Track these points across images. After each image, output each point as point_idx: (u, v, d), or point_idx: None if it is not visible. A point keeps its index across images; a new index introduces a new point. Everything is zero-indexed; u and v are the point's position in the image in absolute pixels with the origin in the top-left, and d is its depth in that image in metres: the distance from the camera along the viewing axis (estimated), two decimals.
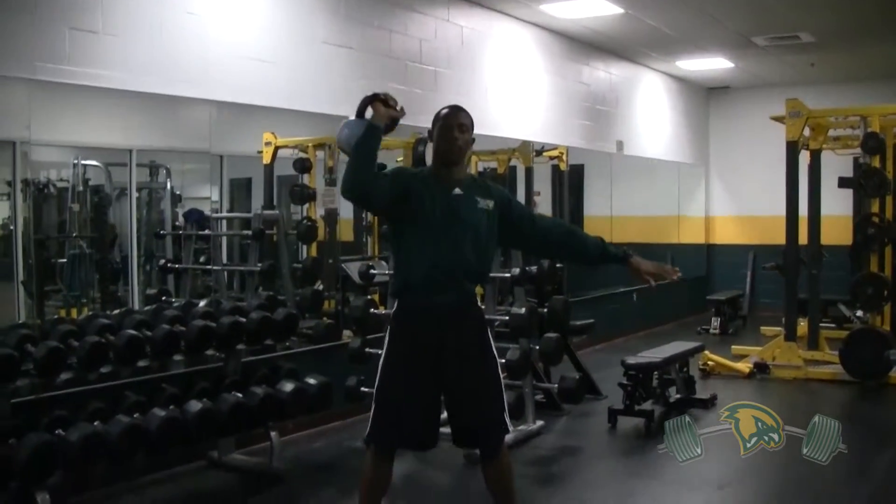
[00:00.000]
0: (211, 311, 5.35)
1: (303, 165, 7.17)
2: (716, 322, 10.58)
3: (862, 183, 7.81)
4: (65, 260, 6.02)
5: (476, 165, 8.67)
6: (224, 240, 6.94)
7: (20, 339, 4.40)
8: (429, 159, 3.73)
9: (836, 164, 8.93)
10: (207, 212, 6.70)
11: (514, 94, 8.51)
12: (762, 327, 10.08)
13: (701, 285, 12.43)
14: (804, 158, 8.34)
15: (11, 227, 5.47)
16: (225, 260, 6.95)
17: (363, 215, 7.82)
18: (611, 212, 11.25)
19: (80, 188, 6.12)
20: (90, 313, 5.82)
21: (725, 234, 13.06)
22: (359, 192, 3.41)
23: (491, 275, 5.47)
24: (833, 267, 8.78)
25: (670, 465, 4.23)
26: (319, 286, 7.03)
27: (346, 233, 7.67)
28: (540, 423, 6.04)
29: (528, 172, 8.68)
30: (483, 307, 5.22)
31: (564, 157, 9.60)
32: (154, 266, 6.66)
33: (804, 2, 8.18)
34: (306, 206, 7.25)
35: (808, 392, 7.56)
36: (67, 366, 4.52)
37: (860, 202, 8.93)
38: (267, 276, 6.68)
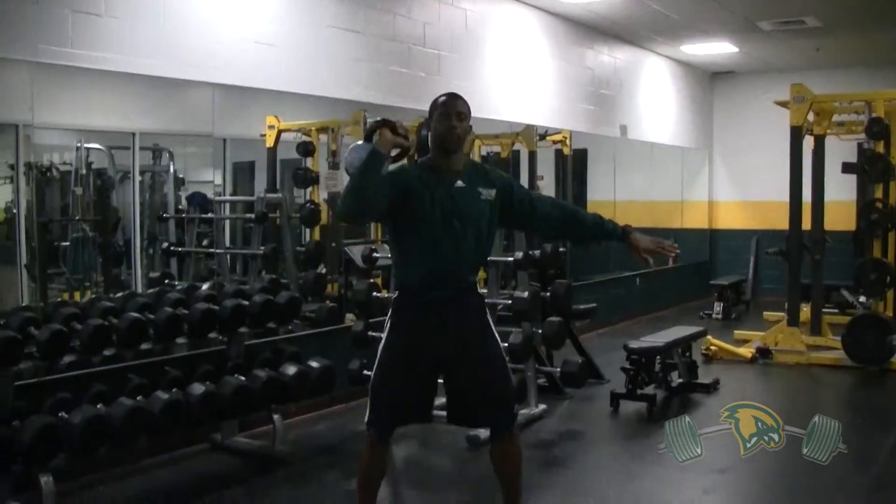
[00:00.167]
0: (214, 295, 5.36)
1: (306, 149, 7.17)
2: (718, 307, 10.56)
3: (866, 168, 7.81)
4: (68, 243, 6.01)
5: (479, 149, 8.64)
6: (227, 223, 6.93)
7: (23, 322, 4.40)
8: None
9: (840, 150, 8.92)
10: (210, 195, 6.69)
11: (517, 78, 8.46)
12: (765, 312, 10.06)
13: (704, 270, 12.44)
14: (808, 144, 8.31)
15: (14, 211, 5.46)
16: (228, 243, 6.94)
17: None
18: (614, 196, 11.21)
19: (83, 171, 6.10)
20: (93, 296, 5.83)
21: (729, 219, 13.04)
22: (356, 216, 3.51)
23: (494, 259, 5.49)
24: (836, 252, 8.76)
25: None
26: (322, 269, 7.05)
27: None
28: (542, 406, 6.06)
29: (532, 156, 8.67)
30: (485, 291, 5.25)
31: (568, 142, 9.61)
32: (157, 249, 6.65)
33: None
34: (309, 189, 7.25)
35: (810, 377, 7.57)
36: (70, 349, 4.54)
37: (864, 188, 8.92)
38: (270, 260, 6.67)
